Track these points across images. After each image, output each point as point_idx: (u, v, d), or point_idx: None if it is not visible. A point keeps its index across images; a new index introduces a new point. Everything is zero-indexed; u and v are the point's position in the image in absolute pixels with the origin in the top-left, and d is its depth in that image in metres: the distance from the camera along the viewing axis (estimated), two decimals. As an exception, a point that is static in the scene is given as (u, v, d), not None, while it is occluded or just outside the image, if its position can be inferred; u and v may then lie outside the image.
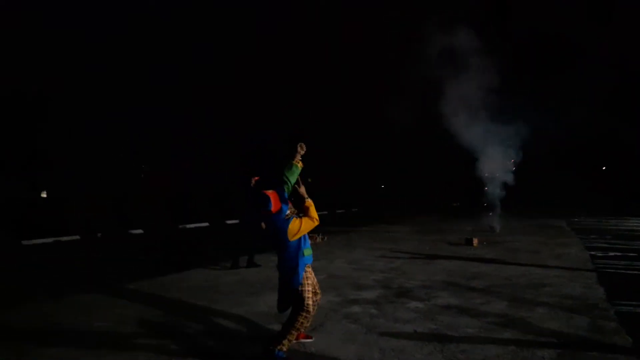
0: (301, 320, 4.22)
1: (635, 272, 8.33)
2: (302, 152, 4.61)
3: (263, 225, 8.31)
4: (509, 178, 17.31)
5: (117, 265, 10.25)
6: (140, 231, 16.66)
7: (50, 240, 14.43)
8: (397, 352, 4.44)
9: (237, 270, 8.99)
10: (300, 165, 4.58)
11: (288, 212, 4.37)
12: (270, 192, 4.30)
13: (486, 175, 17.20)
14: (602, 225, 18.59)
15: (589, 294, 6.67)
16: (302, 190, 4.51)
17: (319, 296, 4.63)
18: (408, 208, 30.84)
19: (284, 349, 4.20)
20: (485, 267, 9.08)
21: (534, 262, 9.54)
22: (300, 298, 4.26)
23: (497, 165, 16.90)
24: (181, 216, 19.02)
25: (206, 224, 19.68)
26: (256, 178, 8.76)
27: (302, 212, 4.42)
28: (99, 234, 15.64)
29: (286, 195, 4.42)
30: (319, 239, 12.74)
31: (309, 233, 4.47)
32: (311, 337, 4.80)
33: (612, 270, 8.44)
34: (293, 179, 4.51)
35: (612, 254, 10.56)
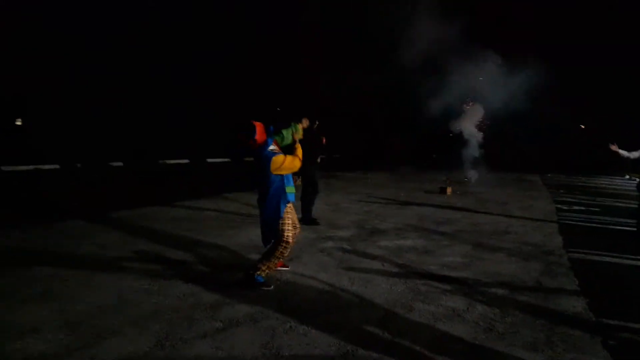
0: (281, 249, 4.56)
1: (594, 224, 8.91)
2: (305, 126, 5.13)
3: None
4: (485, 134, 17.82)
5: (99, 195, 10.45)
6: (120, 164, 16.73)
7: (30, 167, 14.45)
8: (365, 281, 4.85)
9: (217, 206, 9.29)
10: (300, 130, 5.08)
11: (273, 146, 4.65)
12: (257, 123, 4.56)
13: (464, 130, 17.58)
14: (572, 182, 19.36)
15: (547, 242, 7.19)
16: (297, 136, 4.96)
17: (298, 230, 4.94)
18: (388, 157, 31.16)
19: (263, 274, 4.56)
20: (455, 214, 9.56)
21: (501, 212, 10.06)
22: (280, 230, 4.58)
23: (475, 121, 17.30)
24: (162, 151, 19.08)
25: (186, 161, 19.80)
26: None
27: (290, 153, 4.72)
28: (79, 164, 15.68)
29: (270, 141, 4.67)
30: (298, 181, 13.01)
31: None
32: (288, 266, 5.19)
33: (573, 223, 9.00)
34: (289, 135, 4.95)
35: (576, 207, 11.17)
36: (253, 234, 6.75)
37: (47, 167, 14.85)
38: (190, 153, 19.96)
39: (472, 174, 17.36)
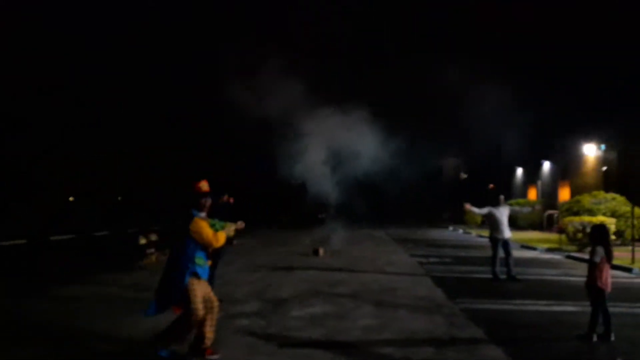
0: (189, 321, 4.49)
1: (456, 274, 10.09)
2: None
3: None
4: (333, 198, 19.19)
5: None
6: None
7: None
8: (306, 357, 4.72)
9: (96, 290, 8.13)
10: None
11: (204, 214, 4.72)
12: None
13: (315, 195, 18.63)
14: (413, 236, 21.69)
15: (433, 295, 7.91)
16: (240, 225, 5.15)
17: (215, 310, 4.70)
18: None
19: (168, 347, 4.50)
20: (340, 275, 9.92)
21: (376, 269, 10.77)
22: (187, 299, 4.44)
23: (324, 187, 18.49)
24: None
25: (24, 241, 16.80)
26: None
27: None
28: None
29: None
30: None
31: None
32: (218, 353, 4.76)
33: (439, 275, 10.05)
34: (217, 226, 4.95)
35: (432, 259, 12.53)
36: (157, 318, 6.05)
37: None
38: (28, 231, 17.14)
39: (331, 234, 18.32)
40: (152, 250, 11.12)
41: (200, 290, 4.53)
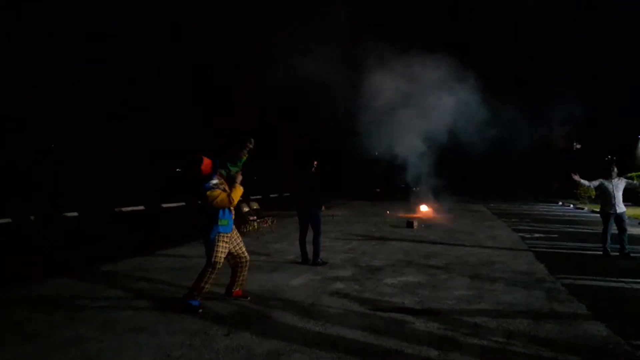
0: (207, 274, 5.10)
1: (562, 250, 9.55)
2: (251, 146, 5.55)
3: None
4: (431, 170, 18.78)
5: (66, 249, 9.78)
6: (75, 214, 15.68)
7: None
8: (398, 322, 4.89)
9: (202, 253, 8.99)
10: (245, 156, 5.56)
11: (216, 181, 5.17)
12: (205, 158, 5.12)
13: (406, 163, 18.30)
14: (518, 210, 20.63)
15: (534, 269, 7.62)
16: (239, 177, 5.43)
17: (245, 257, 5.61)
18: (336, 193, 31.52)
19: (195, 298, 5.16)
20: (434, 248, 9.88)
21: (474, 243, 10.52)
22: (210, 255, 5.14)
23: (421, 159, 18.10)
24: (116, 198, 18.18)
25: (141, 207, 18.92)
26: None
27: (229, 190, 5.27)
28: (32, 217, 14.53)
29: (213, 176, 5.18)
30: (269, 222, 12.89)
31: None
32: (247, 297, 5.65)
33: (543, 250, 9.59)
34: (235, 168, 5.48)
35: (536, 235, 11.92)
36: (259, 279, 6.63)
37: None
38: (144, 198, 19.13)
39: (426, 205, 18.15)
40: (254, 217, 11.91)
41: (228, 246, 5.31)
